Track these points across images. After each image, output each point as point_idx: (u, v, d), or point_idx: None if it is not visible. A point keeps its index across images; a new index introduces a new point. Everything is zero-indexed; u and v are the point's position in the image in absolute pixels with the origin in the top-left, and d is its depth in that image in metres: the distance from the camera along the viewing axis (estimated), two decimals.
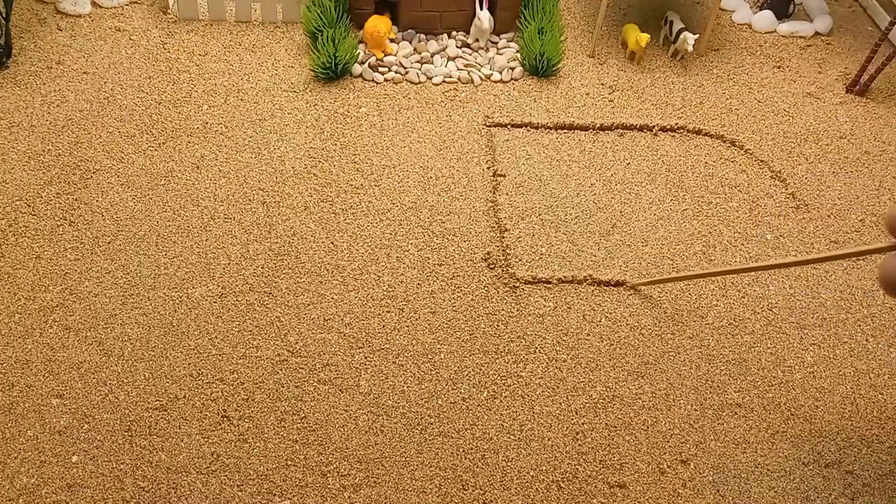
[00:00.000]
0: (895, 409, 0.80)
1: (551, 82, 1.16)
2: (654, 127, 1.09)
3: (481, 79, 1.15)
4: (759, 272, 0.91)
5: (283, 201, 0.96)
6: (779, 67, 1.23)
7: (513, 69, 1.16)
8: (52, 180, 0.98)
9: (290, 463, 0.72)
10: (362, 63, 1.15)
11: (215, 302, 0.85)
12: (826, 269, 0.93)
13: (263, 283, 0.87)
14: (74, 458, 0.71)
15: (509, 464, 0.73)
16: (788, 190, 1.03)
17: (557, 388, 0.79)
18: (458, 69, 1.16)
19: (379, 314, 0.84)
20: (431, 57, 1.18)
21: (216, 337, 0.81)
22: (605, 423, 0.77)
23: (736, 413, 0.78)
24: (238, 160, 1.01)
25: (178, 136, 1.04)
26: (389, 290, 0.87)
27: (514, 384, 0.79)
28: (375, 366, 0.80)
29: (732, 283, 0.91)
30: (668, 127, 1.10)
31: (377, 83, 1.14)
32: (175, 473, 0.71)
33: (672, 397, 0.79)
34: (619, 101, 1.14)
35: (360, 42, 1.19)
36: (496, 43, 1.21)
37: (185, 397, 0.76)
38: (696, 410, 0.78)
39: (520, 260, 0.91)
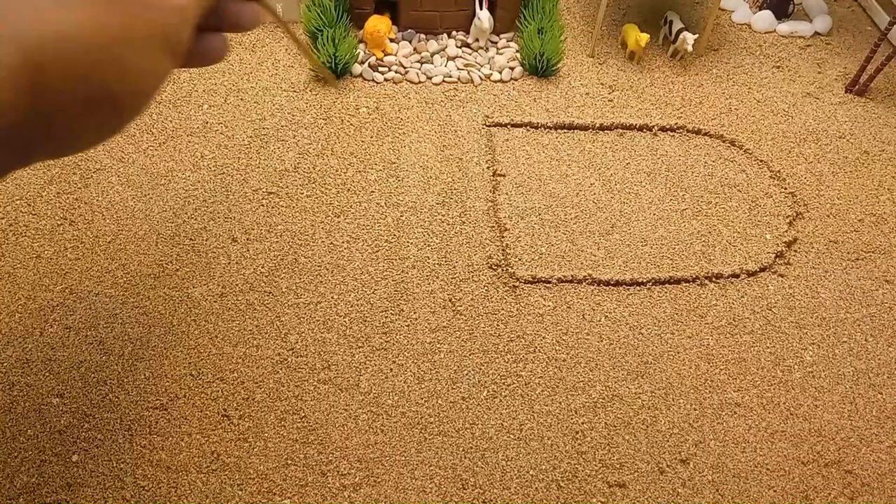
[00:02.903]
0: (895, 408, 0.80)
1: (551, 82, 1.16)
2: (653, 127, 1.10)
3: (481, 78, 1.15)
4: None
5: (282, 201, 0.96)
6: (778, 67, 1.23)
7: (513, 69, 1.16)
8: (52, 180, 0.98)
9: (290, 462, 0.72)
10: (362, 63, 1.15)
11: (215, 302, 0.85)
12: (826, 269, 0.93)
13: (264, 283, 0.87)
14: (75, 458, 0.71)
15: (509, 463, 0.73)
16: (788, 190, 1.03)
17: (557, 387, 0.79)
18: (458, 69, 1.16)
19: (379, 314, 0.84)
20: (431, 57, 1.18)
21: (216, 336, 0.82)
22: (605, 423, 0.77)
23: (735, 412, 0.79)
24: (238, 160, 1.01)
25: (178, 136, 1.04)
26: (389, 290, 0.87)
27: (513, 383, 0.79)
28: (375, 365, 0.80)
29: (732, 282, 0.91)
30: (668, 127, 1.10)
31: (377, 83, 1.14)
32: (175, 472, 0.71)
33: (672, 397, 0.79)
34: (619, 100, 1.14)
35: (360, 42, 1.19)
36: (496, 43, 1.21)
37: (185, 396, 0.77)
38: (695, 410, 0.78)
39: (520, 260, 0.91)
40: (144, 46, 0.37)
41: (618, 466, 0.74)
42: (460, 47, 1.20)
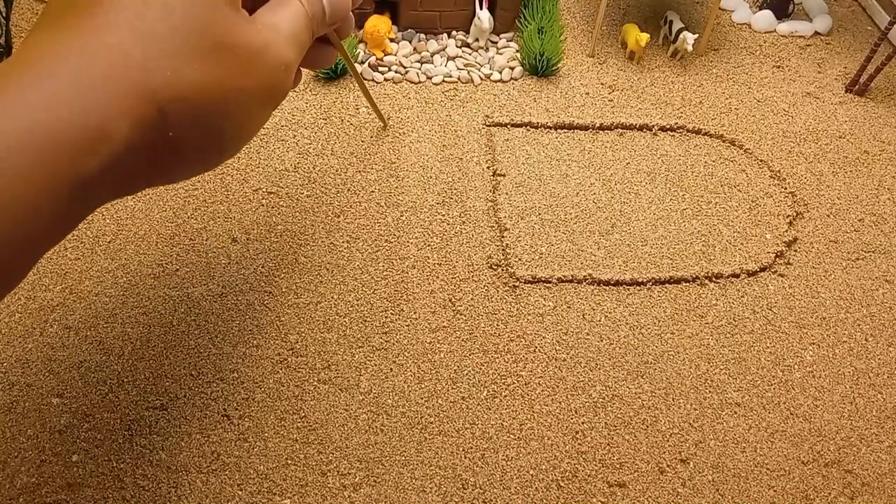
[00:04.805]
0: (895, 408, 0.80)
1: (551, 82, 1.16)
2: (653, 126, 1.10)
3: (481, 78, 1.15)
4: None
5: (282, 201, 0.96)
6: (778, 67, 1.23)
7: (512, 69, 1.16)
8: None
9: (290, 462, 0.72)
10: (362, 63, 1.16)
11: (215, 302, 0.85)
12: (825, 269, 0.93)
13: (263, 283, 0.87)
14: (75, 458, 0.71)
15: (509, 463, 0.73)
16: (788, 189, 1.03)
17: (557, 387, 0.79)
18: (458, 69, 1.16)
19: (379, 314, 0.85)
20: (431, 57, 1.18)
21: (216, 336, 0.82)
22: (605, 423, 0.77)
23: (735, 412, 0.79)
24: (238, 159, 1.01)
25: None
26: (389, 290, 0.87)
27: (513, 383, 0.79)
28: (375, 365, 0.80)
29: (732, 282, 0.91)
30: (668, 126, 1.10)
31: (377, 83, 1.14)
32: (175, 472, 0.71)
33: (672, 396, 0.79)
34: (619, 100, 1.14)
35: (360, 42, 1.19)
36: (496, 43, 1.22)
37: (185, 396, 0.77)
38: (695, 410, 0.78)
39: (520, 259, 0.91)
40: (254, 98, 0.43)
41: (618, 466, 0.74)
42: (460, 47, 1.20)
